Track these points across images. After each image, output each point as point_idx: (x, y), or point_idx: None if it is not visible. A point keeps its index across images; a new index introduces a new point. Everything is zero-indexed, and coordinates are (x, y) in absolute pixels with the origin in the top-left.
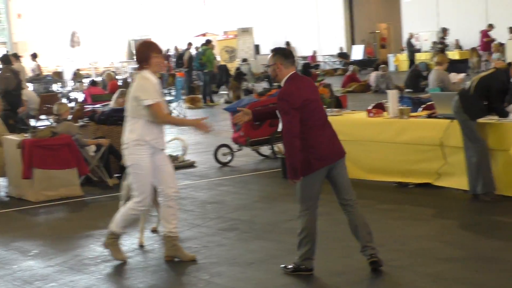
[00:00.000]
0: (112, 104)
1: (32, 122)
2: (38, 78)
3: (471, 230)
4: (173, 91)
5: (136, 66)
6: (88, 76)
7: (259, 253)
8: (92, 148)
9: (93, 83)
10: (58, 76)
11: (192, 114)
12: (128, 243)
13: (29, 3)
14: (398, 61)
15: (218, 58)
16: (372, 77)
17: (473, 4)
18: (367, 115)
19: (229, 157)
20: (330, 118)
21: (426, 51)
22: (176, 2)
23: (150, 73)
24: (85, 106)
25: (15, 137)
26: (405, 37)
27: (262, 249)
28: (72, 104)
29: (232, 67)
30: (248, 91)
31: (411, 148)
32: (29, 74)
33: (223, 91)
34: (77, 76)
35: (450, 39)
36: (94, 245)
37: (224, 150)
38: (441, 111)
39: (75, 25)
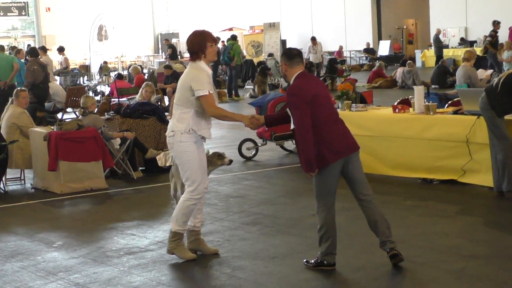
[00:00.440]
0: (138, 97)
1: (59, 115)
2: (65, 71)
3: (496, 227)
4: None
5: (162, 60)
6: (114, 70)
7: (281, 247)
8: (118, 141)
9: (119, 77)
10: (85, 70)
11: None
12: (152, 235)
13: None
14: (425, 57)
15: (244, 52)
16: (399, 73)
17: (502, 0)
18: (392, 111)
19: (253, 152)
20: (355, 114)
21: (453, 47)
22: None
23: (204, 63)
24: (111, 99)
25: (41, 130)
26: (432, 33)
27: (284, 244)
28: (98, 98)
29: (258, 61)
30: (274, 86)
31: (437, 144)
32: (57, 67)
33: (249, 86)
34: (104, 70)
35: (478, 35)
36: (117, 237)
37: (249, 144)
38: (468, 107)
39: (103, 19)
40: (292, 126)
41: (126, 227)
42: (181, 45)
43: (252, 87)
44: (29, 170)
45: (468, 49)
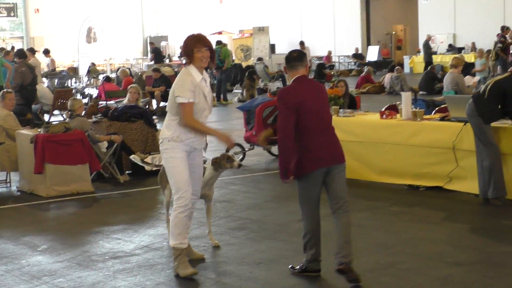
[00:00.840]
0: (125, 101)
1: (46, 117)
2: (53, 73)
3: (481, 234)
4: None
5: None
6: (103, 72)
7: (267, 253)
8: (104, 144)
9: (108, 79)
10: (73, 72)
11: None
12: (137, 240)
13: None
14: (413, 63)
15: (233, 56)
16: (387, 78)
17: (490, 7)
18: (380, 117)
19: (240, 156)
20: (342, 119)
21: (441, 54)
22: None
23: (195, 69)
24: (99, 102)
25: (28, 132)
26: (421, 39)
27: (271, 249)
28: (86, 100)
29: (246, 65)
30: (262, 90)
31: (423, 150)
32: (44, 69)
33: (237, 90)
34: (92, 72)
35: (466, 42)
36: (103, 242)
37: (236, 149)
38: (455, 114)
39: (92, 21)
40: None
41: (112, 231)
42: (170, 48)
43: (240, 91)
44: (15, 172)
45: (456, 55)
